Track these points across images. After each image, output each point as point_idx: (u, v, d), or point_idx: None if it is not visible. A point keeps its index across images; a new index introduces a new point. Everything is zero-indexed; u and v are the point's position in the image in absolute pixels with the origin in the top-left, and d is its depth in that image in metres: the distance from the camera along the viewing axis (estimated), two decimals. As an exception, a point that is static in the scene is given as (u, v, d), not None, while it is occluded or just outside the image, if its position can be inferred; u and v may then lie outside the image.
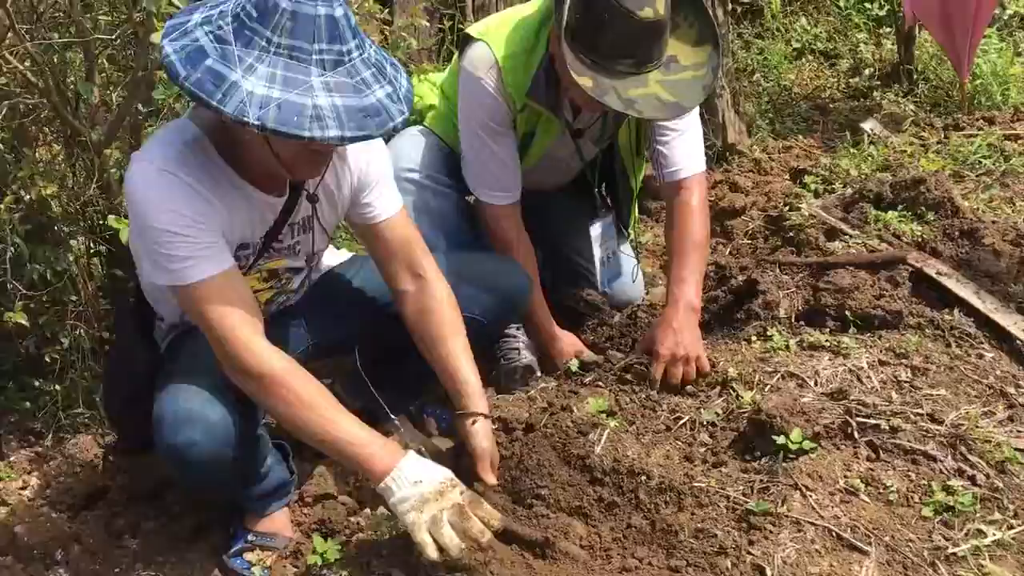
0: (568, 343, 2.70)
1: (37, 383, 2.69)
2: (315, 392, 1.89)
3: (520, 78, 2.52)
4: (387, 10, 3.75)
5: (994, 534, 1.87)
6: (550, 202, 2.98)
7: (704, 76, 2.36)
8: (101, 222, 2.73)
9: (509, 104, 2.55)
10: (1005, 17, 4.78)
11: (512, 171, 2.63)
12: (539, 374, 2.70)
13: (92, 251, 2.83)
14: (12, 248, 2.50)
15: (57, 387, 2.64)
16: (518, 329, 2.77)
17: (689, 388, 2.44)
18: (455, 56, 2.80)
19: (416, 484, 1.83)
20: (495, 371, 2.74)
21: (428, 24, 3.49)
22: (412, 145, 2.75)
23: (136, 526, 2.24)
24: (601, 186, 2.96)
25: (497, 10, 4.19)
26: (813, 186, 3.53)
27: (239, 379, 1.88)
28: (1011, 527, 1.88)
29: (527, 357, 2.74)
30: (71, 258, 2.70)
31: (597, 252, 2.93)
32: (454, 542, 1.80)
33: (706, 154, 3.91)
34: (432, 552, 1.80)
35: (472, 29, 2.62)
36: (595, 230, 2.91)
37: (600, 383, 2.50)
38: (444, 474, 1.88)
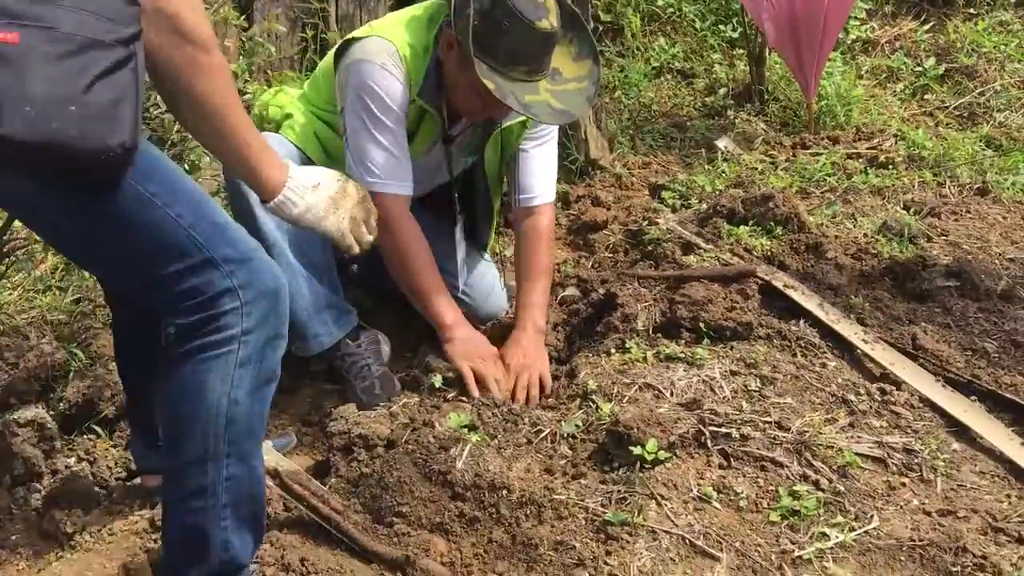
0: (473, 343, 2.61)
1: None
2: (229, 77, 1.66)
3: (418, 71, 2.56)
4: (244, 16, 3.67)
5: (836, 536, 1.95)
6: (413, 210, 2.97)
7: (587, 88, 2.53)
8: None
9: (408, 92, 2.56)
10: (848, 41, 5.05)
11: (409, 161, 2.62)
12: (397, 383, 2.64)
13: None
14: None
15: None
16: (356, 345, 2.71)
17: (550, 401, 2.48)
18: (324, 62, 2.76)
19: (316, 188, 1.80)
20: (351, 394, 2.65)
21: (286, 31, 3.42)
22: None
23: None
24: (458, 199, 2.94)
25: (361, 20, 4.17)
26: (671, 201, 3.64)
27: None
28: (852, 529, 1.98)
29: (378, 368, 2.67)
30: None
31: (460, 253, 2.95)
32: (367, 238, 1.88)
33: (569, 168, 4.04)
34: (356, 248, 1.87)
35: (356, 33, 2.64)
36: (457, 233, 2.93)
37: (463, 398, 2.51)
38: (332, 171, 1.87)
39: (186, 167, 2.85)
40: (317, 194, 1.79)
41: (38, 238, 2.58)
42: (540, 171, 2.83)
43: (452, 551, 2.01)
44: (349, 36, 2.64)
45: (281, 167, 1.75)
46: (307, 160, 2.70)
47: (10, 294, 3.05)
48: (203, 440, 1.62)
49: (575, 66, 2.54)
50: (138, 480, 2.29)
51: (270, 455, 2.31)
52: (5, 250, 2.71)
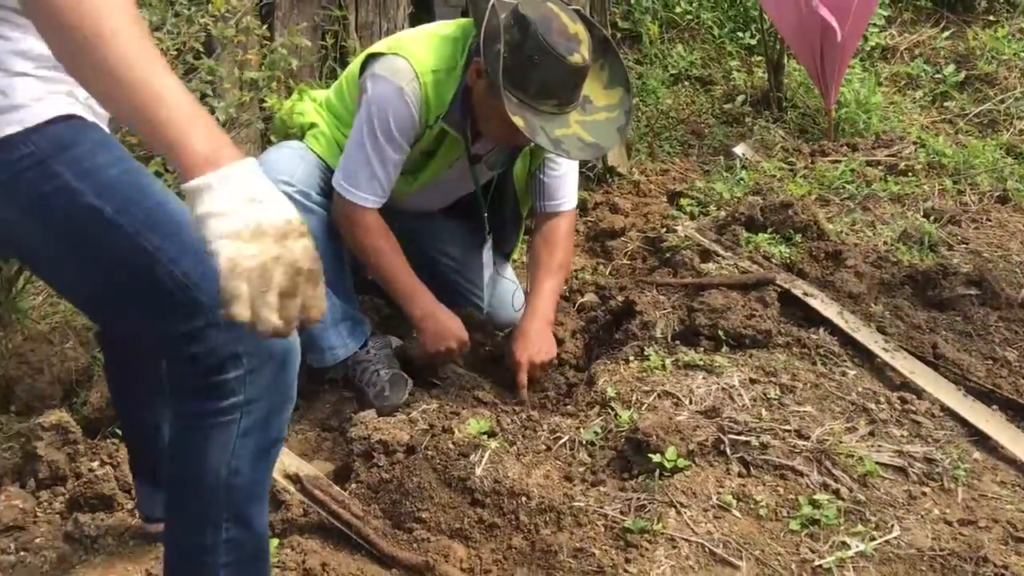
0: (448, 323, 2.65)
1: None
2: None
3: (442, 96, 2.55)
4: (266, 25, 3.69)
5: (857, 545, 1.95)
6: (432, 224, 2.99)
7: (618, 118, 2.50)
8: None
9: (421, 122, 2.56)
10: (867, 48, 5.04)
11: (391, 181, 2.63)
12: (409, 383, 2.65)
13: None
14: None
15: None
16: (366, 352, 2.73)
17: (569, 408, 2.49)
18: (349, 71, 2.76)
19: (251, 203, 1.18)
20: (366, 401, 2.67)
21: (310, 44, 3.44)
22: (288, 158, 2.70)
23: (-6, 561, 2.12)
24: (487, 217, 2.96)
25: (380, 28, 4.19)
26: (689, 208, 3.64)
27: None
28: (873, 538, 1.97)
29: (387, 372, 2.68)
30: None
31: (485, 274, 2.96)
32: (271, 316, 1.18)
33: (587, 175, 4.05)
34: (241, 309, 1.17)
35: (380, 47, 2.63)
36: (486, 255, 2.95)
37: (483, 403, 2.53)
38: (294, 213, 1.23)
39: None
40: (245, 209, 1.18)
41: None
42: (565, 179, 2.85)
43: (471, 557, 2.02)
44: (376, 49, 2.63)
45: (217, 146, 1.20)
46: (327, 169, 2.71)
47: (33, 299, 3.08)
48: (200, 505, 1.51)
49: (606, 94, 2.51)
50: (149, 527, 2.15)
51: (291, 460, 2.33)
52: (30, 256, 2.73)
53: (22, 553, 2.16)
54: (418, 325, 2.68)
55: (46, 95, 1.38)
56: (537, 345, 2.67)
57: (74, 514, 2.24)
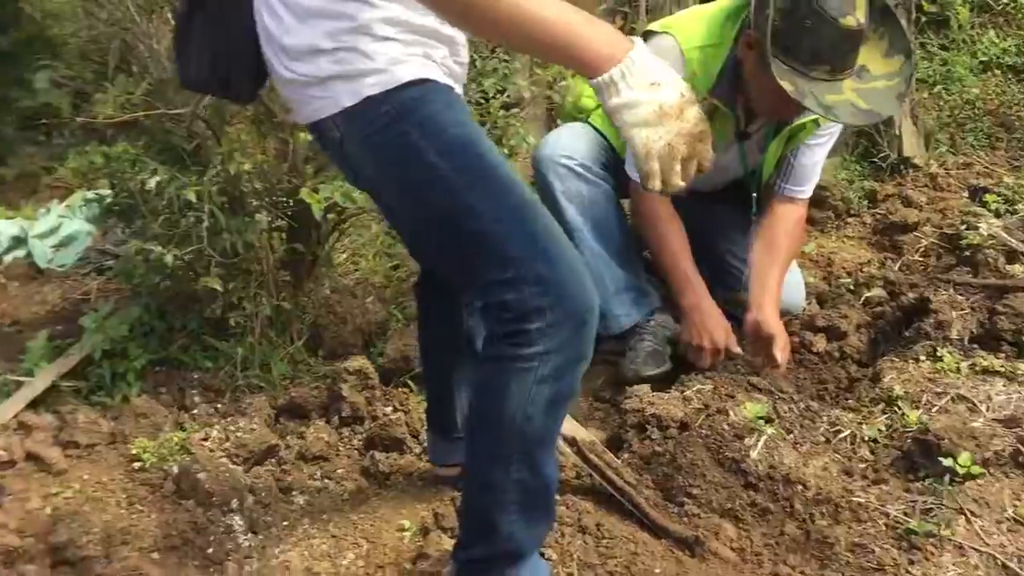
0: (711, 322, 2.66)
1: (219, 345, 2.87)
2: None
3: (708, 71, 2.57)
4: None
5: None
6: (705, 202, 2.98)
7: (897, 85, 2.36)
8: (284, 199, 2.88)
9: None
10: None
11: None
12: (667, 363, 2.70)
13: (274, 225, 2.99)
14: (210, 218, 2.67)
15: (238, 349, 2.81)
16: (647, 320, 2.78)
17: (850, 403, 2.41)
18: None
19: (653, 88, 1.42)
20: (621, 369, 2.74)
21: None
22: (572, 135, 2.84)
23: (303, 484, 2.37)
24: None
25: (671, 11, 4.20)
26: (994, 206, 3.39)
27: None
28: None
29: (650, 345, 2.74)
30: (258, 230, 2.85)
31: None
32: (677, 182, 1.46)
33: (879, 165, 3.87)
34: (655, 182, 1.45)
35: (654, 25, 2.70)
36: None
37: (758, 389, 2.50)
38: (682, 82, 1.47)
39: (505, 151, 3.01)
40: (649, 94, 1.42)
41: (369, 208, 2.86)
42: (816, 168, 2.79)
43: (742, 538, 2.02)
44: (649, 27, 2.70)
45: (613, 41, 1.42)
46: (609, 147, 2.80)
47: (339, 256, 3.38)
48: (495, 443, 1.63)
49: (885, 63, 2.38)
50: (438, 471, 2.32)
51: (568, 423, 2.41)
52: (343, 218, 3.00)
53: (326, 481, 2.40)
54: (685, 315, 2.71)
55: (405, 58, 1.57)
56: (783, 335, 2.64)
57: (370, 451, 2.46)
